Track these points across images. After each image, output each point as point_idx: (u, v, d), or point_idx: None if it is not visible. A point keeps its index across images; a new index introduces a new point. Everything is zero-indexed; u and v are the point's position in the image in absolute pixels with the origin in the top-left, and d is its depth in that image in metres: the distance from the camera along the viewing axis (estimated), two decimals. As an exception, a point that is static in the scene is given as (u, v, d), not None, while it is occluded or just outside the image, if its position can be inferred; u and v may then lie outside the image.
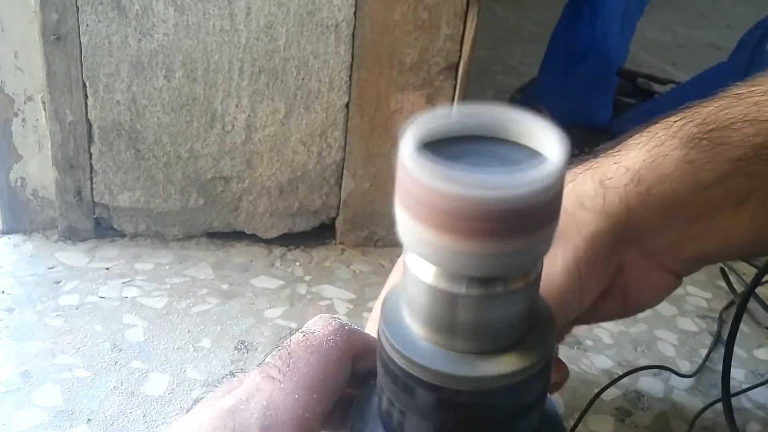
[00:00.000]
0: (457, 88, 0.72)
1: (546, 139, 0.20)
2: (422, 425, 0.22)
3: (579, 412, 0.59)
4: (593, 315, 0.42)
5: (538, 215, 0.18)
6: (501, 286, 0.20)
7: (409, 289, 0.21)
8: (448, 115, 0.21)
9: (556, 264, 0.38)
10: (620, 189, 0.38)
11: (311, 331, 0.29)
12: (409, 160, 0.19)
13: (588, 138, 0.99)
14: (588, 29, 1.01)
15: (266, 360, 0.28)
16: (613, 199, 0.38)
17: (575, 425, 0.56)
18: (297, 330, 0.30)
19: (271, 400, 0.26)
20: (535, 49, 1.21)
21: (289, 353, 0.28)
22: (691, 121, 0.39)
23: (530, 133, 0.21)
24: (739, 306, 0.53)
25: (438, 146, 0.20)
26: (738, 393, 0.61)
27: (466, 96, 0.74)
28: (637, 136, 0.41)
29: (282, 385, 0.27)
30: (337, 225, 0.78)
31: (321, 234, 0.79)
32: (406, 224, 0.19)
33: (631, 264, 0.40)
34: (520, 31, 1.64)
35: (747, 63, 0.95)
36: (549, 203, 0.19)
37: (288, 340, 0.29)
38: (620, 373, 0.63)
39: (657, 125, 0.40)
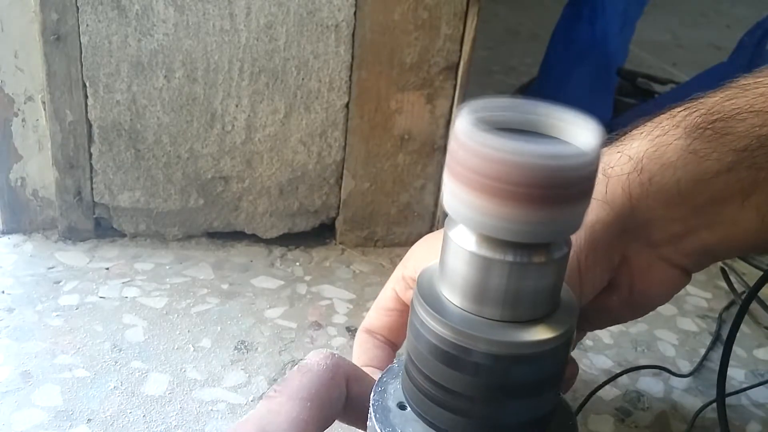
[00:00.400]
0: (457, 88, 0.72)
1: (580, 131, 0.22)
2: (451, 391, 0.23)
3: (579, 412, 0.59)
4: (602, 314, 0.42)
5: (578, 187, 0.20)
6: (539, 255, 0.21)
7: (447, 261, 0.23)
8: (498, 106, 0.23)
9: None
10: (623, 178, 0.38)
11: (305, 360, 0.31)
12: (464, 129, 0.20)
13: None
14: (588, 29, 1.01)
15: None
16: (616, 188, 0.38)
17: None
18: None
19: (268, 409, 0.29)
20: (535, 49, 1.21)
21: (284, 378, 0.30)
22: (695, 111, 0.39)
23: (566, 128, 0.22)
24: (741, 308, 0.52)
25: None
26: (733, 393, 0.61)
27: (466, 96, 0.74)
28: (641, 126, 0.40)
29: (277, 400, 0.29)
30: (337, 225, 0.78)
31: (321, 234, 0.79)
32: (455, 191, 0.21)
33: (635, 256, 0.40)
34: (520, 31, 1.64)
35: (747, 63, 0.95)
36: (588, 177, 0.20)
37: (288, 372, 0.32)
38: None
39: (661, 116, 0.40)
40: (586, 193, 0.21)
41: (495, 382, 0.23)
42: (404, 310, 0.45)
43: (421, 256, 0.44)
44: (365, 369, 0.44)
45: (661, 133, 0.39)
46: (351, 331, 0.66)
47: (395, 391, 0.27)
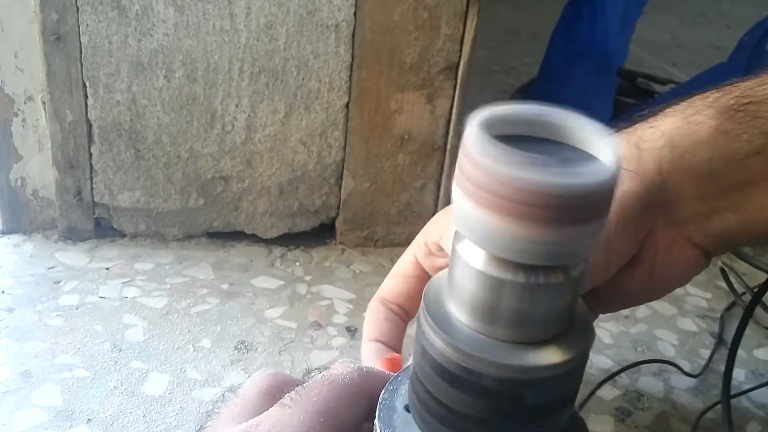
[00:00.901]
0: (457, 88, 0.72)
1: (599, 144, 0.21)
2: (457, 412, 0.22)
3: (579, 412, 0.59)
4: (620, 293, 0.42)
5: (594, 208, 0.19)
6: (550, 277, 0.20)
7: (456, 276, 0.22)
8: (508, 113, 0.21)
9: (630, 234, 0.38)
10: (654, 151, 0.38)
11: (330, 371, 0.30)
12: (474, 142, 0.19)
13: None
14: (588, 29, 1.01)
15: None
16: (648, 162, 0.38)
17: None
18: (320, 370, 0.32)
19: (278, 421, 0.28)
20: (535, 49, 1.21)
21: (304, 387, 0.29)
22: (728, 93, 0.39)
23: (584, 137, 0.21)
24: (746, 311, 0.52)
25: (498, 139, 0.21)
26: (738, 394, 0.61)
27: (466, 96, 0.74)
28: (673, 105, 0.41)
29: (290, 410, 0.28)
30: (337, 225, 0.78)
31: (321, 234, 0.79)
32: (464, 208, 0.20)
33: (660, 233, 0.40)
34: (520, 31, 1.64)
35: (747, 63, 0.95)
36: (605, 198, 0.19)
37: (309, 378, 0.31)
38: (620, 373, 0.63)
39: (695, 97, 0.40)
40: (603, 212, 0.20)
41: (506, 406, 0.22)
42: (423, 277, 0.45)
43: (444, 224, 0.43)
44: (373, 344, 0.43)
45: (693, 112, 0.39)
46: (351, 331, 0.66)
47: (405, 392, 0.26)
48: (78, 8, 0.64)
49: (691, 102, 0.40)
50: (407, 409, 0.25)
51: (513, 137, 0.21)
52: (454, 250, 0.22)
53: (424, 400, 0.23)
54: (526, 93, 1.14)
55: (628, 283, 0.41)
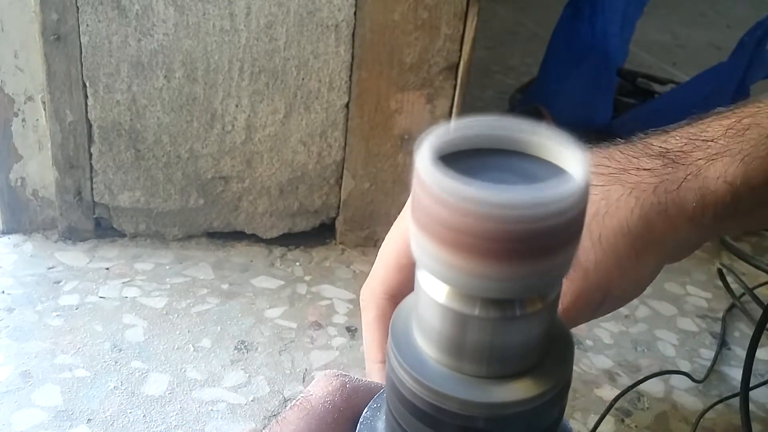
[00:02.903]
0: (457, 88, 0.72)
1: (568, 155, 0.19)
2: None
3: (580, 412, 0.59)
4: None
5: (558, 237, 0.18)
6: (516, 309, 0.19)
7: (420, 307, 0.21)
8: (466, 127, 0.20)
9: (648, 268, 0.38)
10: (719, 206, 0.38)
11: (310, 393, 0.28)
12: (424, 173, 0.18)
13: (588, 138, 0.99)
14: (588, 29, 1.01)
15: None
16: (710, 215, 0.38)
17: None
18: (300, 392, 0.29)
19: None
20: (535, 49, 1.21)
21: (284, 417, 0.27)
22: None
23: (551, 148, 0.20)
24: (764, 313, 0.52)
25: (455, 159, 0.19)
26: (758, 385, 0.61)
27: (466, 96, 0.74)
28: (731, 133, 0.39)
29: None
30: (337, 225, 0.78)
31: (321, 234, 0.79)
32: (420, 241, 0.18)
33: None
34: (520, 31, 1.64)
35: (747, 63, 0.95)
36: (570, 224, 0.18)
37: (287, 405, 0.29)
38: (620, 373, 0.63)
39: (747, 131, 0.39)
40: (567, 241, 0.18)
41: None
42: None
43: None
44: (381, 366, 0.40)
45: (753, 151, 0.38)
46: (351, 331, 0.66)
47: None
48: (78, 8, 0.64)
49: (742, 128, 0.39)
50: None
51: (474, 152, 0.20)
52: (416, 280, 0.20)
53: (395, 430, 0.22)
54: (526, 93, 1.14)
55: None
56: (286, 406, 0.29)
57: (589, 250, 0.37)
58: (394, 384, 0.22)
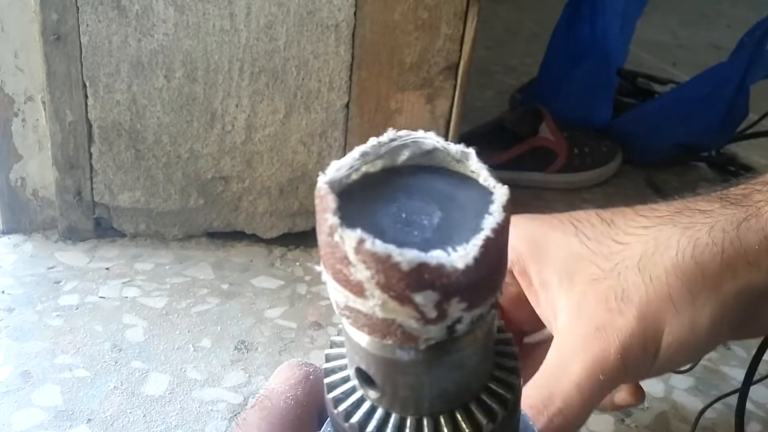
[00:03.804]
0: (457, 88, 0.72)
1: (489, 174, 0.19)
2: None
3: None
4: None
5: (473, 288, 0.17)
6: (439, 350, 0.18)
7: (348, 348, 0.20)
8: (371, 152, 0.19)
9: (705, 313, 0.36)
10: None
11: (271, 388, 0.27)
12: (321, 211, 0.17)
13: (588, 138, 0.99)
14: (588, 29, 1.01)
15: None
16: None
17: None
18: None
19: None
20: (535, 49, 1.21)
21: (243, 419, 0.27)
22: None
23: (472, 168, 0.19)
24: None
25: (369, 183, 0.19)
26: (733, 392, 0.61)
27: (466, 96, 0.74)
28: None
29: None
30: (337, 225, 0.78)
31: (321, 234, 0.79)
32: (331, 286, 0.18)
33: None
34: (520, 31, 1.64)
35: (747, 63, 0.95)
36: (485, 276, 0.17)
37: (250, 401, 0.27)
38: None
39: None
40: (485, 290, 0.17)
41: None
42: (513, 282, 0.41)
43: (527, 242, 0.40)
44: None
45: None
46: (351, 331, 0.66)
47: None
48: (78, 8, 0.64)
49: None
50: None
51: (392, 170, 0.19)
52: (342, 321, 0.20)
53: None
54: (526, 93, 1.14)
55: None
56: (247, 404, 0.28)
57: (640, 287, 0.36)
58: (334, 418, 0.21)
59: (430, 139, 0.19)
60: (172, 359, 0.59)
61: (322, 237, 0.17)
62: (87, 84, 0.67)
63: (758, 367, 0.67)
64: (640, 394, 0.45)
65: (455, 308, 0.17)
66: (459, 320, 0.17)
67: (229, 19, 0.67)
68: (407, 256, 0.16)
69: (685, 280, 0.36)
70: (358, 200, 0.18)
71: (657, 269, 0.36)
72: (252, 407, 0.27)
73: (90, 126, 0.69)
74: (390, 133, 0.19)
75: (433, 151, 0.19)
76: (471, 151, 0.19)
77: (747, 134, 1.06)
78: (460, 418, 0.19)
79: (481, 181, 0.19)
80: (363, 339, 0.19)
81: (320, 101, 0.71)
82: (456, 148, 0.19)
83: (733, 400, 0.61)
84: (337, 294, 0.18)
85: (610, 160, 0.99)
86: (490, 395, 0.20)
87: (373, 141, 0.19)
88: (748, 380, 0.53)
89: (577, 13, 1.02)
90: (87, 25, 0.65)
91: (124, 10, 0.65)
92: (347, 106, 0.72)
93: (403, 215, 0.18)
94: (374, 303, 0.17)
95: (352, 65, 0.70)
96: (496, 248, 0.17)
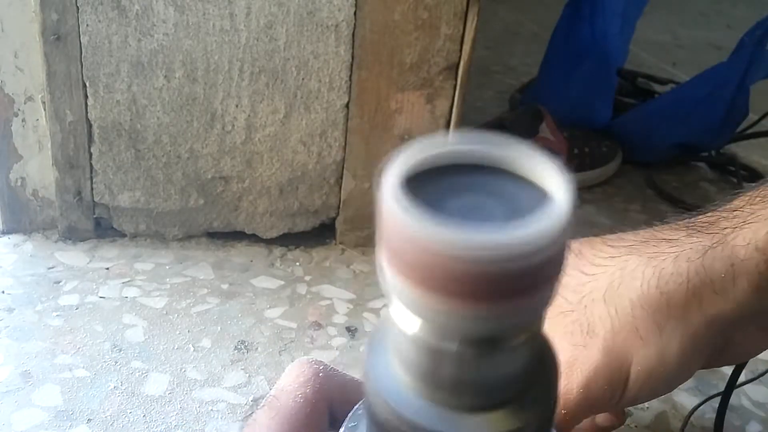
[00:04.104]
0: (457, 88, 0.72)
1: (551, 177, 0.18)
2: None
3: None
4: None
5: (537, 275, 0.17)
6: (492, 345, 0.18)
7: (394, 332, 0.20)
8: (441, 144, 0.19)
9: (673, 344, 0.36)
10: (751, 272, 0.35)
11: (280, 388, 0.27)
12: (389, 200, 0.17)
13: (588, 138, 0.99)
14: (588, 29, 1.01)
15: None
16: (744, 286, 0.36)
17: None
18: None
19: None
20: (535, 49, 1.21)
21: (254, 419, 0.26)
22: None
23: (535, 168, 0.19)
24: None
25: (428, 179, 0.18)
26: (714, 396, 0.61)
27: (466, 96, 0.74)
28: (757, 200, 0.37)
29: None
30: (337, 225, 0.78)
31: (321, 234, 0.79)
32: (387, 275, 0.17)
33: (743, 336, 0.38)
34: (520, 31, 1.64)
35: (747, 63, 0.95)
36: (550, 262, 0.17)
37: (259, 402, 0.27)
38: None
39: None
40: (548, 278, 0.17)
41: None
42: None
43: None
44: None
45: None
46: (351, 331, 0.66)
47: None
48: (78, 8, 0.64)
49: None
50: None
51: (450, 169, 0.19)
52: (389, 307, 0.20)
53: None
54: (526, 93, 1.14)
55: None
56: (258, 404, 0.28)
57: (605, 320, 0.36)
58: (369, 406, 0.21)
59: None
60: (172, 359, 0.59)
61: (391, 226, 0.17)
62: (87, 84, 0.67)
63: (757, 367, 0.67)
64: (621, 417, 0.45)
65: (518, 299, 0.17)
66: (516, 312, 0.17)
67: (229, 19, 0.67)
68: (476, 240, 0.16)
69: (651, 311, 0.36)
70: (425, 192, 0.18)
71: (622, 301, 0.36)
72: (262, 407, 0.27)
73: (90, 126, 0.69)
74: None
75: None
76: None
77: (747, 134, 1.06)
78: (498, 417, 0.20)
79: (537, 182, 0.18)
80: (413, 326, 0.19)
81: (320, 101, 0.71)
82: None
83: (732, 399, 0.61)
84: (395, 281, 0.17)
85: (610, 160, 0.99)
86: (532, 399, 0.20)
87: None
88: (730, 386, 0.53)
89: (577, 13, 1.02)
90: (87, 25, 0.65)
91: (124, 10, 0.65)
92: (347, 106, 0.72)
93: (470, 206, 0.18)
94: (434, 290, 0.16)
95: (352, 65, 0.70)
96: (565, 233, 0.16)
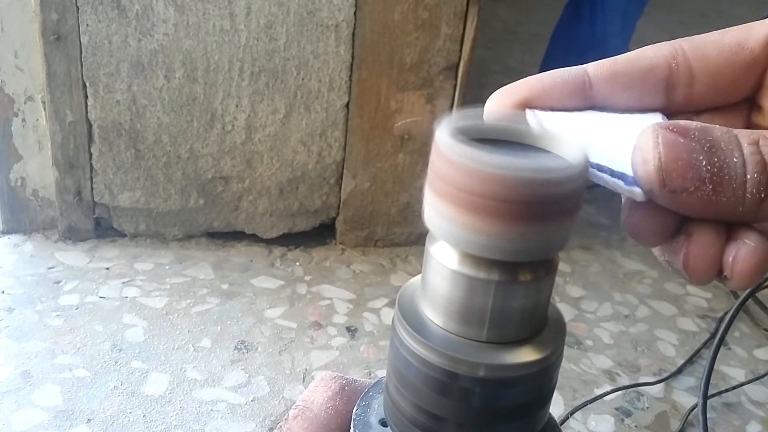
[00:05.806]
0: (457, 88, 0.72)
1: (565, 144, 0.21)
2: (435, 416, 0.22)
3: (580, 412, 0.59)
4: None
5: (565, 202, 0.20)
6: (524, 274, 0.21)
7: (430, 277, 0.22)
8: (478, 117, 0.22)
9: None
10: None
11: (310, 400, 0.28)
12: (444, 141, 0.20)
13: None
14: (588, 28, 1.01)
15: None
16: None
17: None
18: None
19: None
20: (535, 49, 1.21)
21: (288, 429, 0.27)
22: None
23: (551, 140, 0.22)
24: (735, 308, 0.52)
25: (474, 140, 0.21)
26: (713, 395, 0.61)
27: (466, 96, 0.74)
28: None
29: None
30: (337, 225, 0.78)
31: (321, 234, 0.79)
32: (436, 207, 0.20)
33: None
34: (520, 31, 1.64)
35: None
36: (575, 193, 0.20)
37: (288, 413, 0.28)
38: (620, 373, 0.63)
39: None
40: (572, 209, 0.20)
41: (483, 406, 0.22)
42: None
43: None
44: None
45: None
46: (351, 330, 0.66)
47: (379, 406, 0.25)
48: (78, 8, 0.64)
49: None
50: (383, 423, 0.25)
51: (484, 141, 0.21)
52: (427, 251, 0.22)
53: (400, 406, 0.23)
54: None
55: None
56: (287, 411, 0.28)
57: None
58: (400, 353, 0.23)
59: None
60: (172, 359, 0.59)
61: (450, 161, 0.19)
62: (87, 84, 0.67)
63: (758, 368, 0.67)
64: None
65: (548, 223, 0.20)
66: (545, 237, 0.20)
67: (229, 19, 0.67)
68: (522, 164, 0.19)
69: None
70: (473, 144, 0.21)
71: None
72: (294, 418, 0.27)
73: (90, 126, 0.69)
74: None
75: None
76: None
77: (747, 134, 1.06)
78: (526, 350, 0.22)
79: (555, 152, 0.22)
80: (453, 262, 0.21)
81: (320, 101, 0.71)
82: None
83: (732, 399, 0.61)
84: (446, 212, 0.20)
85: (610, 160, 0.99)
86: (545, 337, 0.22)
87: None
88: (705, 394, 0.53)
89: (577, 13, 1.02)
90: (87, 25, 0.65)
91: (124, 10, 0.65)
92: (347, 106, 0.72)
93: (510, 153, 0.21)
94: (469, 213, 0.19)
95: (352, 65, 0.70)
96: (583, 175, 0.20)
